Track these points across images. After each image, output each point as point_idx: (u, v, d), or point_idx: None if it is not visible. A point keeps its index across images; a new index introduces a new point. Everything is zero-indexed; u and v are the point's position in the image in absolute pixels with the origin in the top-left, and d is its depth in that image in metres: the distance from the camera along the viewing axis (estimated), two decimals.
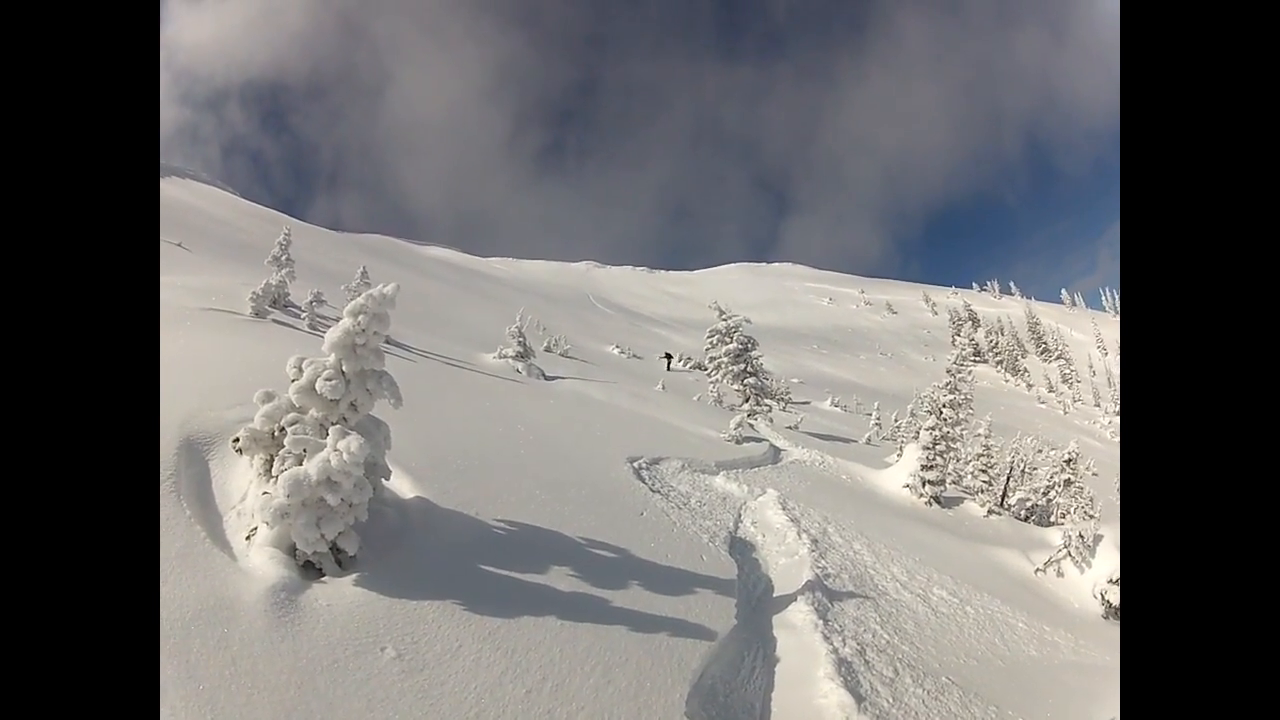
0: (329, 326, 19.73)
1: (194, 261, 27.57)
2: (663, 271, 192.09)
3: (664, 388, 28.72)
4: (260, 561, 6.01)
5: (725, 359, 29.47)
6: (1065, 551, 14.51)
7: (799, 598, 8.53)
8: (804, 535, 11.22)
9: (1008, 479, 21.00)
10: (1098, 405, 74.16)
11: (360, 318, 6.55)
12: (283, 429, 6.67)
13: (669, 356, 45.09)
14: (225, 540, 6.30)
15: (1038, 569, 14.39)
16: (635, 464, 13.10)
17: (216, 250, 34.29)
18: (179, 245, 31.56)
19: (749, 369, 28.73)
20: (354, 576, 6.16)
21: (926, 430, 19.15)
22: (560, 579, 7.02)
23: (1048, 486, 20.51)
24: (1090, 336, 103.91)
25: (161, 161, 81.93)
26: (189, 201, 58.06)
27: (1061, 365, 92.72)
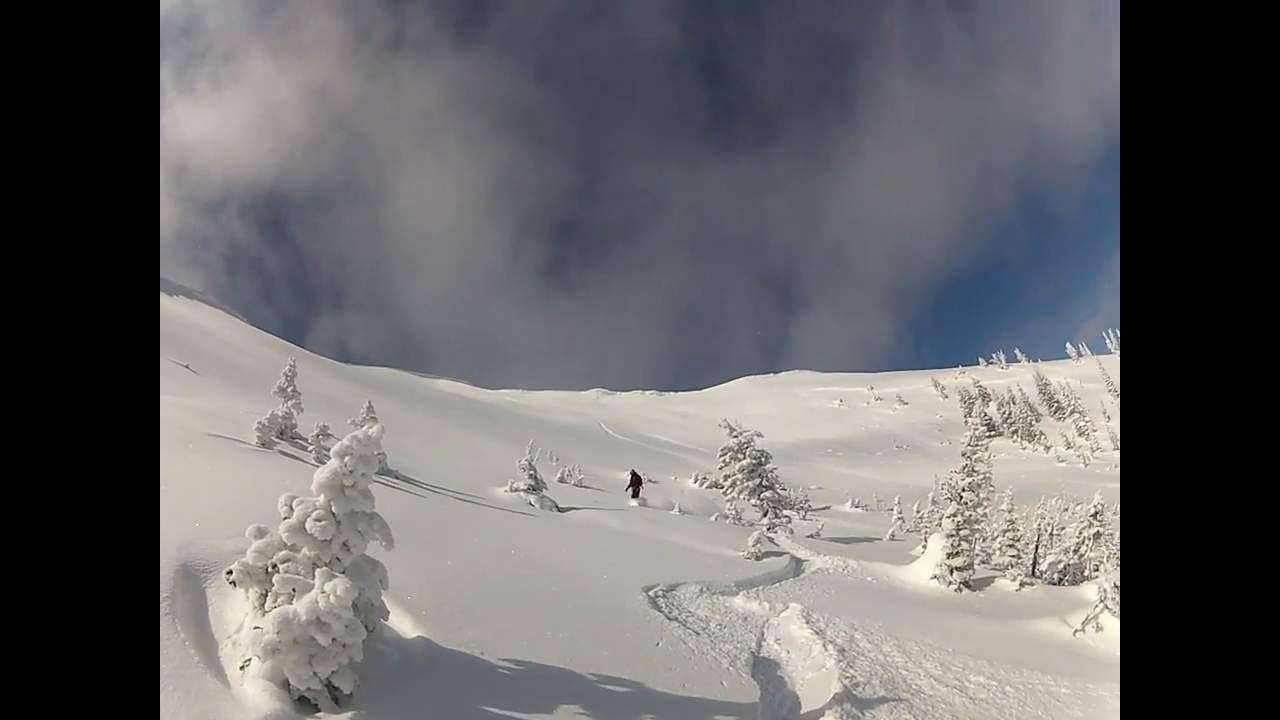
0: None
1: (201, 385, 27.89)
2: (671, 393, 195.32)
3: (680, 510, 28.45)
4: (253, 692, 5.91)
5: (740, 475, 29.44)
6: (1101, 605, 14.28)
7: (826, 712, 8.24)
8: (830, 646, 10.91)
9: (1036, 546, 20.85)
10: (1116, 449, 73.93)
11: (347, 459, 6.48)
12: (274, 565, 6.54)
13: (636, 480, 34.17)
14: (220, 668, 6.23)
15: (1075, 630, 14.16)
16: (651, 592, 12.87)
17: (223, 375, 34.72)
18: (186, 367, 31.85)
19: (764, 482, 28.66)
20: (349, 714, 6.03)
21: (949, 518, 18.95)
22: (567, 718, 6.77)
23: (1078, 544, 20.39)
24: (1101, 384, 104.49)
25: (169, 279, 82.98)
26: (198, 323, 58.82)
27: (1076, 419, 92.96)
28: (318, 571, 6.24)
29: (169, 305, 62.31)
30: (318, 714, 6.00)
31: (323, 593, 5.98)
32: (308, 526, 6.38)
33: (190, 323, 56.80)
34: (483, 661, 7.63)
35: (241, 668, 6.23)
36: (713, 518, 28.82)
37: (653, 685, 8.05)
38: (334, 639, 5.97)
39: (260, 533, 6.76)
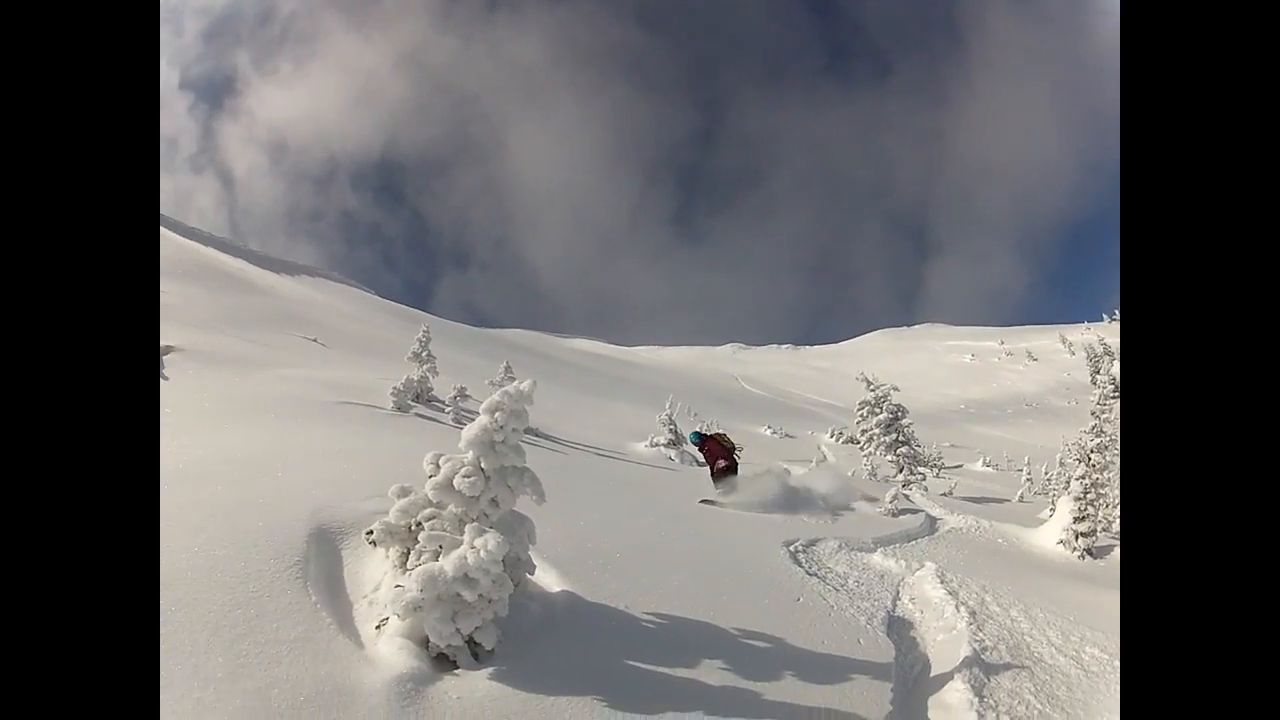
0: (474, 419, 20.07)
1: (329, 356, 28.36)
2: (808, 347, 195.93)
3: (817, 463, 28.32)
4: (389, 651, 5.99)
5: (877, 430, 29.07)
6: None
7: (955, 675, 8.19)
8: (962, 608, 10.73)
9: None
10: None
11: (497, 415, 6.56)
12: (419, 524, 6.68)
13: (717, 453, 18.16)
14: (354, 628, 6.34)
15: None
16: (791, 547, 12.85)
17: (351, 346, 35.17)
18: (314, 340, 32.43)
19: (900, 438, 28.30)
20: (490, 670, 6.05)
21: (1076, 480, 18.52)
22: (710, 672, 6.79)
23: None
24: None
25: (290, 259, 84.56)
26: (322, 300, 59.94)
27: None
28: (468, 527, 6.27)
29: (291, 285, 63.72)
30: (456, 671, 6.02)
31: (472, 548, 6.01)
32: (455, 483, 6.46)
33: (313, 300, 57.83)
34: (625, 615, 7.69)
35: (378, 627, 6.30)
36: (850, 473, 28.42)
37: (793, 641, 8.05)
38: (480, 595, 6.00)
39: (404, 492, 6.90)
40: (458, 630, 6.01)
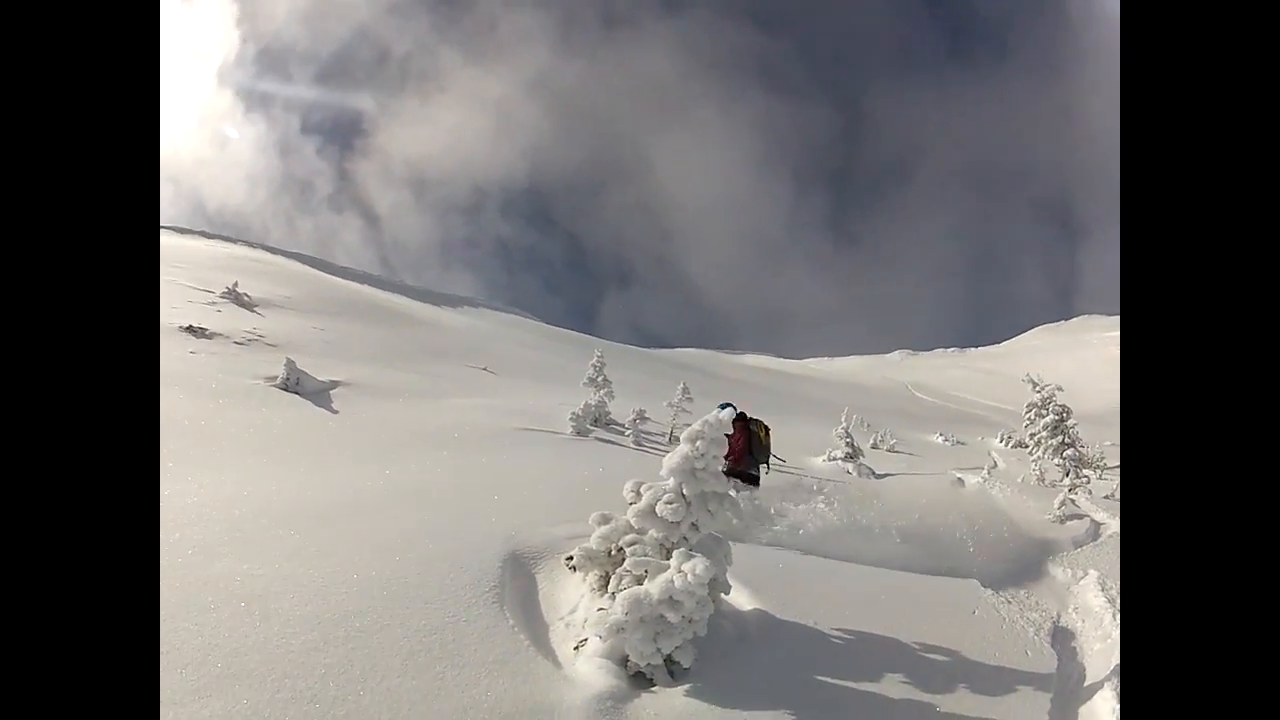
0: (654, 442, 20.17)
1: (501, 385, 28.84)
2: (972, 349, 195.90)
3: (989, 470, 27.68)
4: (587, 670, 6.15)
5: (1044, 433, 28.10)
6: None
7: (1105, 685, 7.89)
8: (1119, 617, 10.28)
9: None
10: None
11: (698, 443, 6.79)
12: (620, 549, 6.95)
13: (743, 440, 13.76)
14: (550, 649, 6.50)
15: None
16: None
17: (522, 374, 35.76)
18: (485, 370, 32.95)
19: (1066, 440, 27.30)
20: (686, 687, 6.16)
21: None
22: (893, 685, 6.82)
23: None
24: None
25: (449, 293, 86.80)
26: (487, 329, 61.15)
27: None
28: (676, 553, 6.48)
29: (454, 317, 65.23)
30: (653, 688, 6.17)
31: (680, 571, 6.20)
32: (658, 510, 6.72)
33: (479, 330, 59.01)
34: (816, 631, 7.73)
35: (576, 648, 6.49)
36: (1019, 479, 28.00)
37: (968, 654, 8.05)
38: (683, 616, 6.18)
39: (604, 519, 7.19)
40: (658, 650, 6.19)
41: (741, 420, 12.99)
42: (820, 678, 6.76)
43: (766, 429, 13.94)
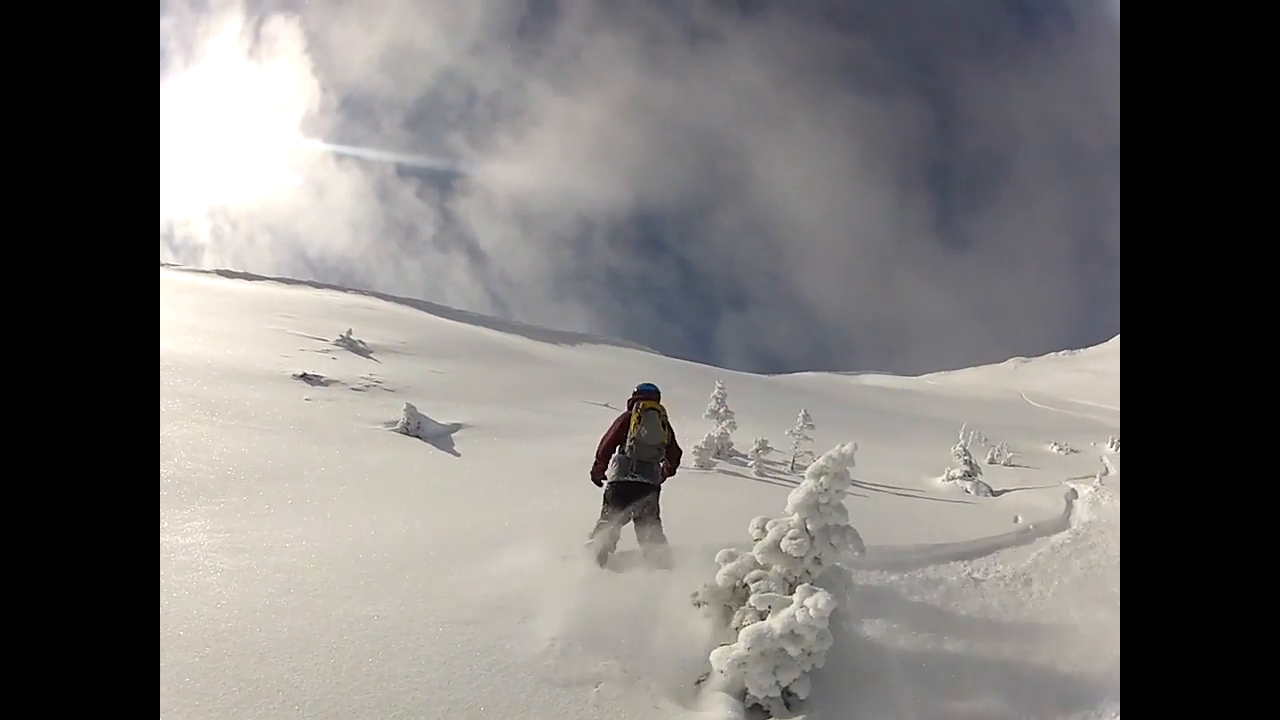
0: (776, 472, 20.05)
1: None
2: (1083, 350, 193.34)
3: (1101, 478, 26.95)
4: (709, 704, 6.29)
5: None
6: None
7: None
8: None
9: None
10: None
11: (823, 479, 6.87)
12: (744, 584, 7.02)
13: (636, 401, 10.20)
14: (671, 683, 6.56)
15: None
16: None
17: None
18: (606, 405, 33.05)
19: None
20: (801, 718, 6.28)
21: None
22: (996, 709, 6.88)
23: None
24: None
25: (565, 329, 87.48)
26: (607, 364, 61.38)
27: None
28: (799, 588, 6.57)
29: (572, 354, 65.66)
30: (769, 719, 6.28)
31: (802, 607, 6.27)
32: (783, 545, 6.81)
33: (599, 365, 59.16)
34: (933, 658, 7.75)
35: (698, 682, 6.62)
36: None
37: (1071, 673, 7.95)
38: (803, 649, 6.26)
39: (730, 556, 7.29)
40: (777, 682, 6.30)
41: (639, 399, 10.04)
42: (938, 703, 6.81)
43: (660, 420, 9.81)
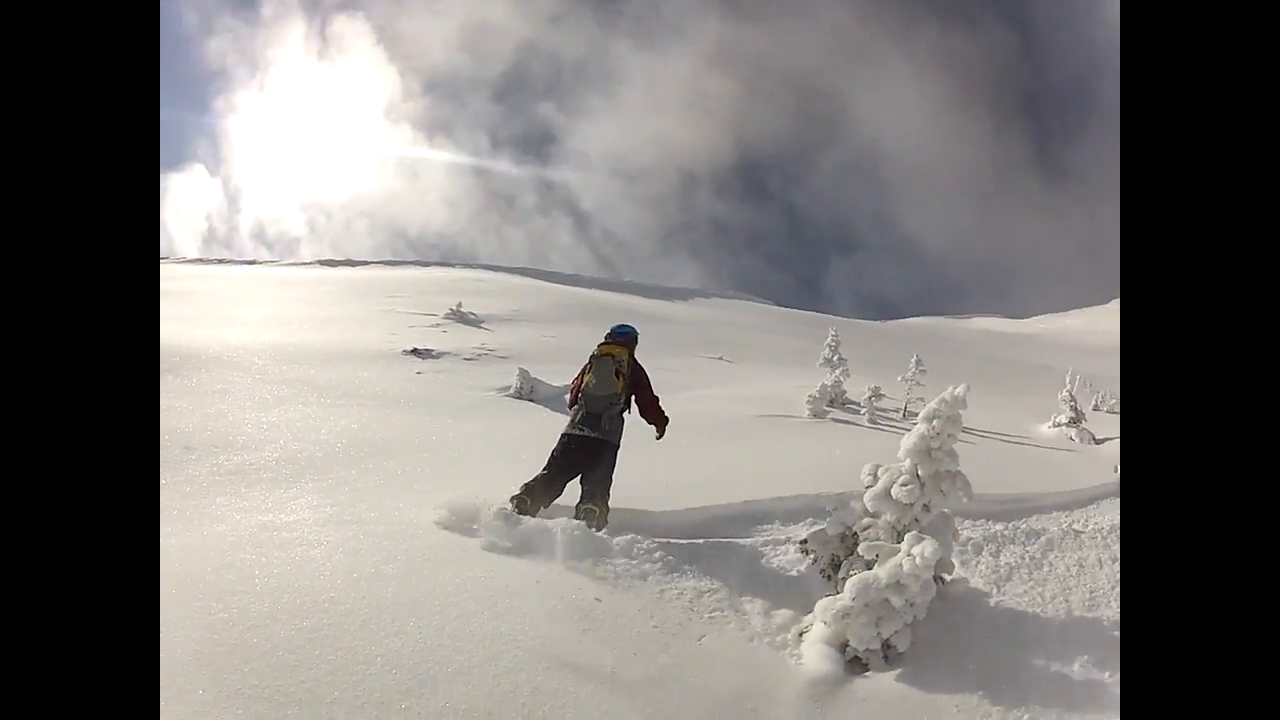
0: (889, 420, 19.96)
1: (739, 373, 28.90)
2: None
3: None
4: (809, 656, 6.34)
5: None
6: None
7: None
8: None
9: None
10: None
11: (935, 422, 6.82)
12: (854, 533, 7.01)
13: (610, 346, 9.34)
14: (775, 635, 6.70)
15: None
16: None
17: (759, 359, 35.81)
18: (721, 359, 33.07)
19: None
20: (898, 671, 6.26)
21: None
22: (1080, 668, 6.60)
23: None
24: None
25: (677, 285, 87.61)
26: (721, 318, 61.56)
27: None
28: (908, 536, 6.48)
29: (685, 309, 65.83)
30: (867, 673, 6.26)
31: (910, 555, 6.21)
32: (894, 492, 6.79)
33: (712, 319, 59.30)
34: (1036, 616, 7.63)
35: (801, 634, 6.64)
36: None
37: None
38: (906, 600, 6.24)
39: (841, 503, 7.33)
40: (878, 634, 6.30)
41: (603, 345, 9.22)
42: (1036, 662, 6.66)
43: (615, 369, 8.88)
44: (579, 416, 8.76)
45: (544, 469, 8.53)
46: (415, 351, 24.40)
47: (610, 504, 8.46)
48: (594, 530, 7.72)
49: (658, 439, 9.26)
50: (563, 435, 8.78)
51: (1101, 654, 6.82)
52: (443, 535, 7.50)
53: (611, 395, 8.73)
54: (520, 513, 7.82)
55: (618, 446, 8.73)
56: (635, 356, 9.21)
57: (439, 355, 24.96)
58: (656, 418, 9.17)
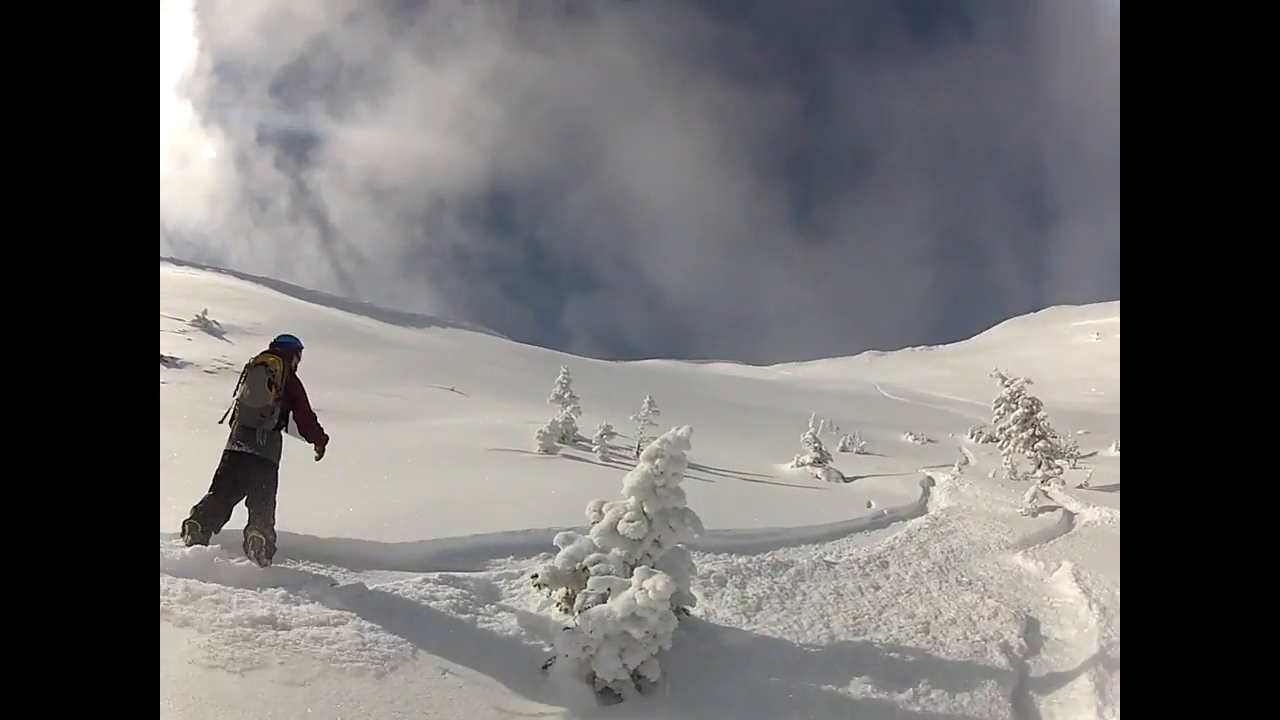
0: (621, 457, 20.39)
1: (470, 405, 28.96)
2: (940, 346, 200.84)
3: (960, 467, 28.17)
4: (557, 689, 6.34)
5: (1014, 427, 28.48)
6: None
7: (1081, 674, 8.28)
8: (1094, 606, 10.72)
9: None
10: None
11: (658, 461, 6.98)
12: (584, 568, 7.04)
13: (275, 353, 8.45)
14: (521, 668, 6.66)
15: None
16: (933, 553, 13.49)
17: (490, 392, 35.93)
18: (453, 390, 33.08)
19: (1037, 432, 27.69)
20: (653, 699, 6.43)
21: None
22: (857, 688, 7.01)
23: None
24: None
25: (415, 313, 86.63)
26: (454, 348, 61.43)
27: None
28: (637, 570, 6.65)
29: (420, 337, 65.34)
30: (621, 703, 6.36)
31: (641, 589, 6.33)
32: (620, 528, 6.94)
33: (446, 349, 59.06)
34: (784, 642, 7.90)
35: (545, 667, 6.65)
36: (990, 473, 29.21)
37: (937, 654, 8.29)
38: (647, 631, 6.33)
39: (568, 539, 7.42)
40: (624, 665, 6.37)
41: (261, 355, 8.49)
42: (788, 684, 6.93)
43: (269, 379, 8.13)
44: (235, 431, 8.02)
45: (209, 490, 7.79)
46: (164, 359, 23.54)
47: (336, 534, 8.39)
48: (261, 560, 7.40)
49: (317, 459, 8.60)
50: (224, 452, 8.01)
51: (880, 674, 7.25)
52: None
53: (264, 407, 8.00)
54: (193, 541, 7.34)
55: (276, 465, 8.15)
56: (295, 371, 8.64)
57: (182, 365, 24.35)
58: (315, 435, 8.53)
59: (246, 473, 7.87)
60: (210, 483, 7.78)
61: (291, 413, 8.35)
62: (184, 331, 31.71)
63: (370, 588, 7.39)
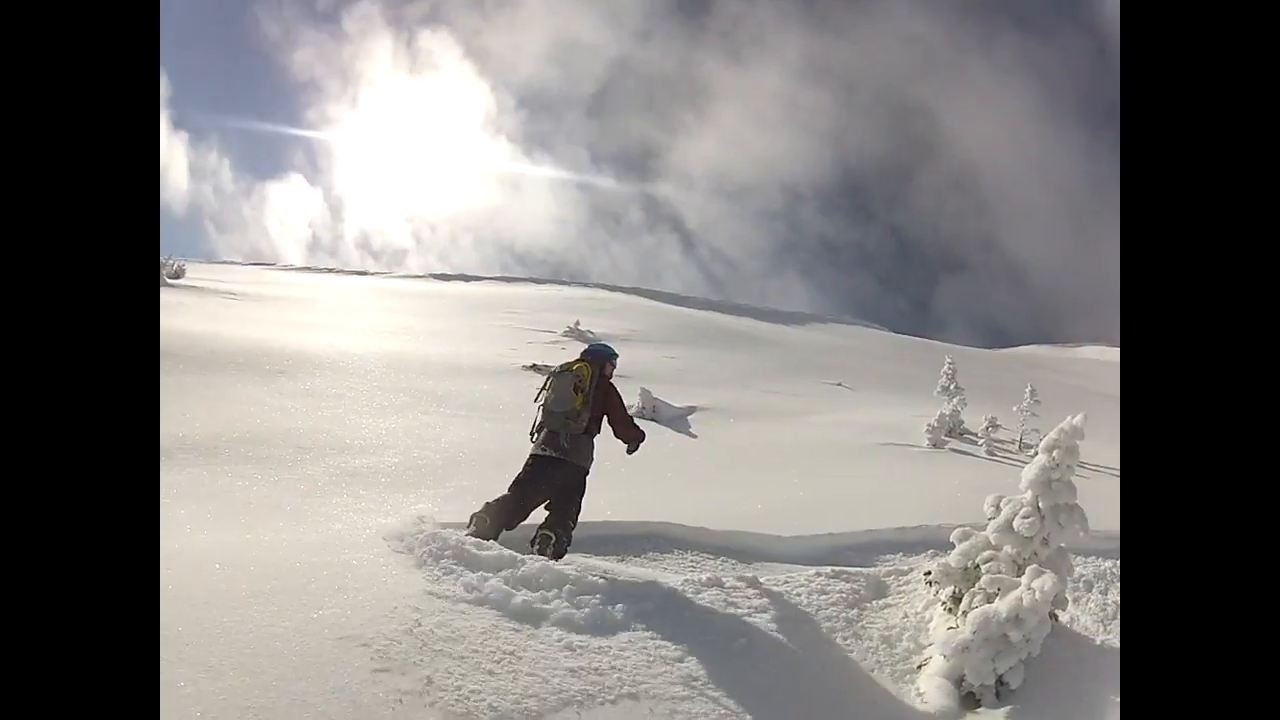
0: (1005, 451, 19.67)
1: (858, 399, 28.69)
2: None
3: None
4: (927, 690, 6.38)
5: None
6: None
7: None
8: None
9: None
10: None
11: (1054, 453, 6.82)
12: (976, 565, 7.00)
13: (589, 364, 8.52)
14: (896, 666, 6.78)
15: None
16: None
17: (877, 386, 35.32)
18: (840, 385, 32.91)
19: None
20: (1008, 709, 6.27)
21: None
22: None
23: None
24: None
25: (789, 310, 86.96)
26: (838, 344, 60.80)
27: None
28: (1029, 569, 6.51)
29: (801, 334, 65.19)
30: (979, 709, 6.29)
31: (1029, 589, 6.24)
32: (1015, 525, 6.77)
33: (830, 345, 58.22)
34: None
35: (919, 666, 6.69)
36: None
37: None
38: (1024, 635, 6.23)
39: (965, 535, 7.27)
40: (994, 669, 6.28)
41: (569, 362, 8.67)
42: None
43: (574, 384, 8.18)
44: (541, 436, 8.13)
45: (508, 490, 8.00)
46: (535, 367, 24.10)
47: (730, 528, 8.61)
48: (548, 558, 7.28)
49: (628, 454, 8.52)
50: (530, 456, 8.14)
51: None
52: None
53: (569, 411, 8.03)
54: (476, 534, 7.41)
55: (585, 470, 8.15)
56: (609, 378, 8.62)
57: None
58: (627, 434, 8.47)
59: (551, 477, 7.98)
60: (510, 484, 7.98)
61: (606, 417, 8.35)
62: (557, 341, 32.68)
63: (762, 580, 7.46)
